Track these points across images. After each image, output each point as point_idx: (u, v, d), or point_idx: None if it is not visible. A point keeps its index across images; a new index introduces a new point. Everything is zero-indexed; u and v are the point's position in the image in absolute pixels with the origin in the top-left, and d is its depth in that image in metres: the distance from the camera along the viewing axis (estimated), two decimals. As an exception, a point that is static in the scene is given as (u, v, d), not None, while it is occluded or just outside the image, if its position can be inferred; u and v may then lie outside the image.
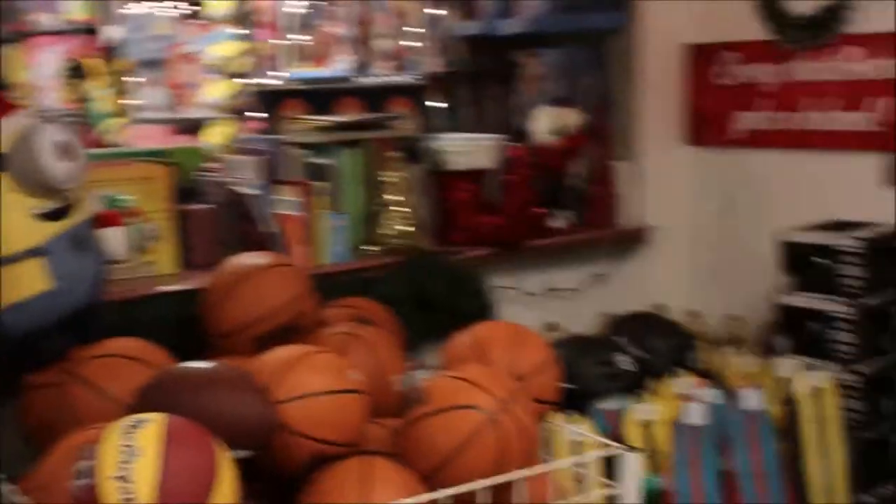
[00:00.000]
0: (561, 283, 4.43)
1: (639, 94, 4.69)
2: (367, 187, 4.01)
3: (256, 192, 3.74)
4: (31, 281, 2.69)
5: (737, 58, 4.63)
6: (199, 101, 5.87)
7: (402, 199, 3.96)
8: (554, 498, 2.70)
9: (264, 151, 3.91)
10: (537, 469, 2.63)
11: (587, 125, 4.58)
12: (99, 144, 6.14)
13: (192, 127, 5.86)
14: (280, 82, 4.93)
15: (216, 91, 5.65)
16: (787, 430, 3.83)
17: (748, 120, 4.60)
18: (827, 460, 3.85)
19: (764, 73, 4.54)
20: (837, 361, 3.97)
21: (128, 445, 2.07)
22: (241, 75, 5.51)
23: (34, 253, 2.69)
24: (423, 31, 4.94)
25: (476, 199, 4.20)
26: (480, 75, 4.96)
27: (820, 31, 4.35)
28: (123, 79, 6.42)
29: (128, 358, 2.68)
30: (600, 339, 4.10)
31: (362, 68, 5.04)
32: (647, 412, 3.66)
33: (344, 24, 5.07)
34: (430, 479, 2.51)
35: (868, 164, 4.23)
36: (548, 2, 4.57)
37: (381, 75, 4.88)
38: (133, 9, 6.23)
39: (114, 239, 2.97)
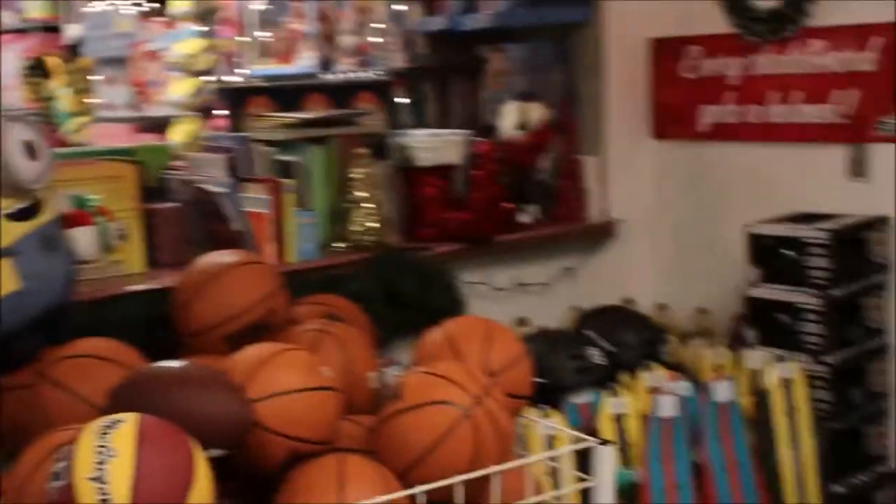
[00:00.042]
0: (530, 277, 4.43)
1: (604, 88, 4.69)
2: (335, 184, 3.99)
3: (224, 190, 3.73)
4: (0, 282, 2.66)
5: (701, 51, 4.64)
6: (163, 99, 5.85)
7: (369, 195, 3.94)
8: (529, 492, 2.70)
9: (231, 149, 3.89)
10: (512, 464, 2.62)
11: (553, 120, 4.58)
12: (63, 144, 6.10)
13: (156, 125, 5.84)
14: (245, 79, 4.92)
15: (180, 89, 5.63)
16: (758, 421, 3.85)
17: (714, 113, 4.61)
18: (798, 451, 3.87)
19: (729, 67, 4.56)
20: (806, 352, 3.99)
21: (103, 446, 2.05)
22: (206, 73, 5.50)
23: (2, 253, 2.67)
24: (387, 26, 4.93)
25: (444, 194, 4.19)
26: (446, 71, 4.95)
27: (783, 25, 4.37)
28: (86, 77, 6.38)
29: (99, 358, 2.65)
30: (571, 334, 4.11)
31: (327, 65, 5.03)
32: (618, 405, 3.66)
33: (308, 21, 5.06)
34: (406, 476, 2.49)
35: (834, 156, 4.26)
36: (511, -4, 4.57)
37: (346, 72, 4.87)
38: (95, 7, 6.19)
39: (82, 238, 2.95)
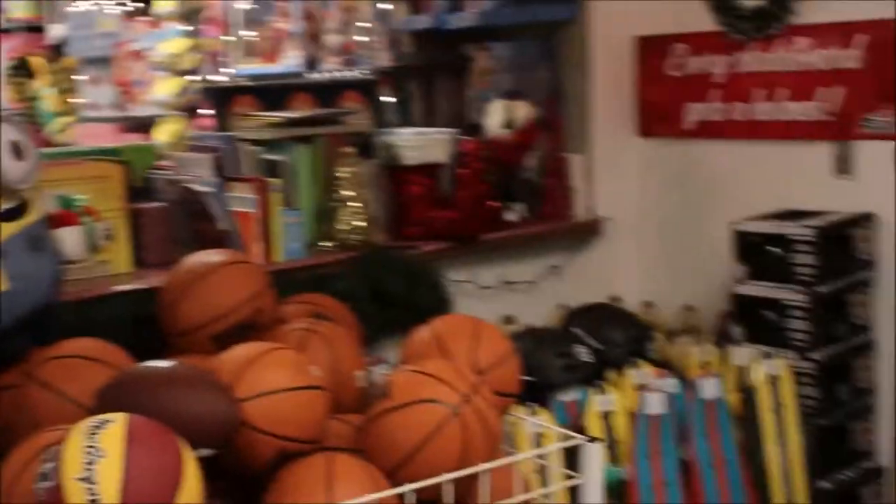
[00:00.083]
0: (516, 276, 4.43)
1: (590, 86, 4.69)
2: (321, 183, 3.99)
3: (210, 189, 3.72)
4: (-13, 282, 2.66)
5: (687, 49, 4.65)
6: (148, 98, 5.83)
7: (356, 194, 3.94)
8: (518, 490, 2.70)
9: (217, 148, 3.89)
10: (501, 462, 2.62)
11: (539, 118, 4.58)
12: (47, 144, 6.08)
13: (141, 125, 5.82)
14: (230, 79, 4.91)
15: (165, 88, 5.62)
16: (745, 418, 3.86)
17: (699, 111, 4.62)
18: (784, 447, 3.88)
19: (714, 65, 4.56)
20: (792, 349, 4.00)
21: (91, 446, 2.04)
22: (191, 72, 5.49)
23: (-11, 254, 2.66)
24: (372, 25, 4.92)
25: (430, 193, 4.19)
26: (431, 69, 4.95)
27: (768, 22, 4.38)
28: (71, 77, 6.37)
29: (86, 358, 2.64)
30: (558, 332, 4.11)
31: (312, 64, 5.02)
32: (606, 403, 3.67)
33: (293, 20, 5.05)
34: (394, 475, 2.49)
35: (819, 154, 4.27)
36: (497, -5, 4.57)
37: (332, 71, 4.86)
38: (79, 6, 6.17)
39: (69, 239, 2.94)
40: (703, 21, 4.54)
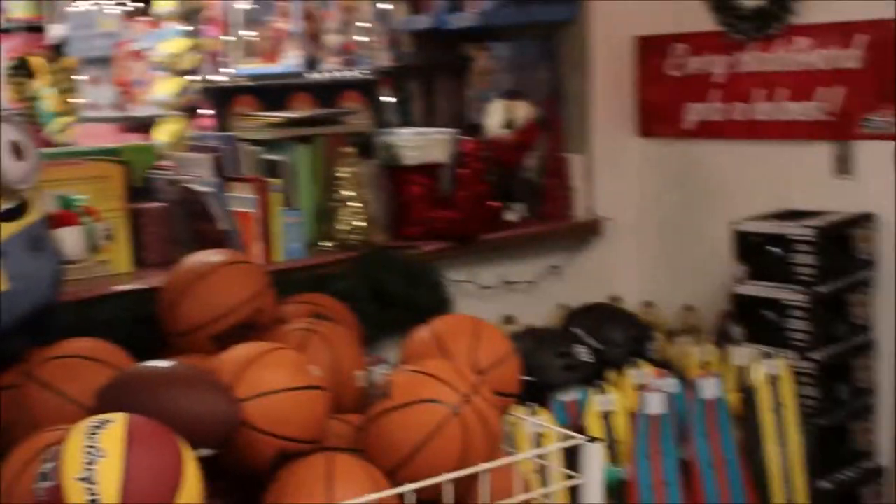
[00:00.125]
0: (516, 276, 4.43)
1: (590, 86, 4.69)
2: (321, 183, 4.00)
3: (210, 189, 3.72)
4: (-13, 282, 2.66)
5: (687, 49, 4.65)
6: (148, 98, 5.83)
7: (356, 194, 3.94)
8: (518, 490, 2.70)
9: (217, 148, 3.89)
10: (501, 462, 2.63)
11: (539, 118, 4.58)
12: (48, 144, 6.08)
13: (141, 125, 5.82)
14: (230, 79, 4.91)
15: (166, 88, 5.62)
16: (745, 418, 3.86)
17: (699, 111, 4.62)
18: (784, 447, 3.88)
19: (714, 65, 4.56)
20: (792, 349, 4.00)
21: (91, 446, 2.05)
22: (191, 72, 5.49)
23: (-11, 254, 2.66)
24: (372, 25, 4.92)
25: (430, 193, 4.19)
26: (431, 69, 4.95)
27: (768, 22, 4.38)
28: (70, 77, 6.37)
29: (87, 358, 2.65)
30: (558, 331, 4.11)
31: (312, 64, 5.02)
32: (606, 403, 3.67)
33: (293, 20, 5.05)
34: (394, 475, 2.50)
35: (819, 154, 4.27)
36: (498, -5, 4.57)
37: (332, 71, 4.86)
38: (79, 6, 6.17)
39: (69, 239, 2.94)
40: (703, 21, 4.54)
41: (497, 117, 4.52)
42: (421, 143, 4.22)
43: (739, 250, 4.18)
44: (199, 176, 3.78)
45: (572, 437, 2.79)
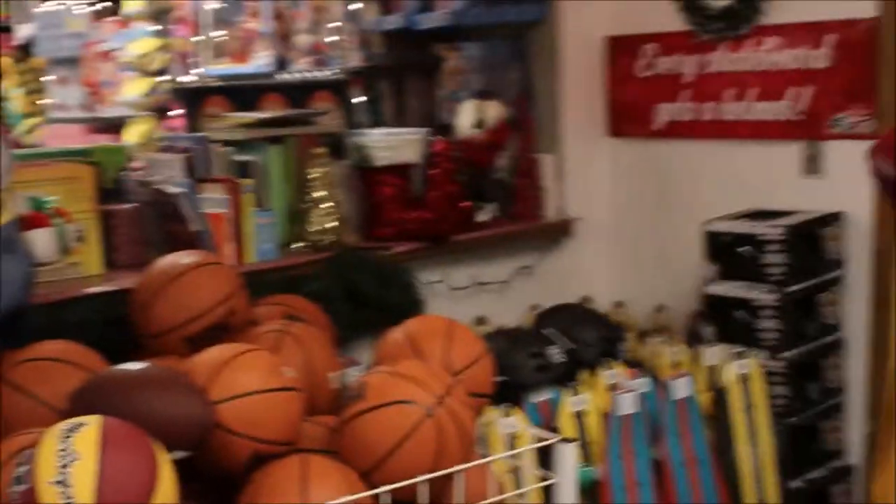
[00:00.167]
0: (488, 276, 4.44)
1: (560, 86, 4.70)
2: (293, 184, 3.99)
3: (181, 190, 3.70)
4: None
5: (657, 49, 4.66)
6: (117, 99, 5.80)
7: (327, 195, 3.93)
8: (492, 491, 2.70)
9: (188, 149, 3.87)
10: (476, 463, 2.63)
11: (510, 118, 4.58)
12: (17, 145, 6.04)
13: (110, 126, 5.79)
14: (200, 79, 4.89)
15: (135, 89, 5.59)
16: (716, 417, 3.87)
17: (669, 111, 4.63)
18: (756, 447, 3.90)
19: (684, 65, 4.58)
20: (763, 349, 4.02)
21: (65, 449, 2.04)
22: (161, 73, 5.47)
23: (-39, 256, 2.64)
24: (343, 25, 4.91)
25: (402, 193, 4.19)
26: (402, 70, 4.95)
27: (737, 22, 4.39)
28: (38, 78, 6.33)
29: (59, 361, 2.64)
30: (530, 332, 4.11)
31: (283, 64, 5.01)
32: (579, 403, 3.68)
33: (263, 20, 5.04)
34: (369, 476, 2.50)
35: (789, 154, 4.29)
36: (468, -5, 4.58)
37: (303, 71, 4.85)
38: (47, 6, 6.14)
39: (40, 240, 2.94)
40: (673, 21, 4.56)
41: (468, 117, 4.53)
42: (392, 144, 4.21)
43: (710, 250, 4.20)
44: (171, 177, 3.76)
45: (546, 438, 2.79)
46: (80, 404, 2.34)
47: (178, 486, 2.18)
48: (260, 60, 5.01)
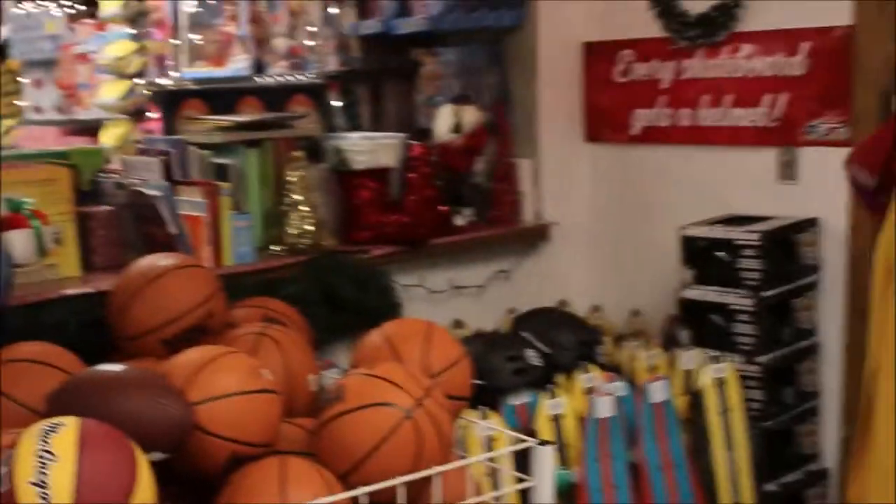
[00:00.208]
0: (465, 280, 4.44)
1: (538, 91, 4.71)
2: (271, 187, 3.99)
3: (159, 193, 3.69)
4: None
5: (633, 55, 4.68)
6: (94, 101, 5.79)
7: (305, 198, 3.93)
8: (470, 493, 2.71)
9: (166, 152, 3.87)
10: (454, 465, 2.63)
11: (487, 123, 4.59)
12: (-7, 148, 6.01)
13: (86, 128, 5.78)
14: (178, 82, 4.88)
15: (112, 91, 5.58)
16: (693, 421, 3.89)
17: (646, 117, 4.65)
18: (732, 450, 3.91)
19: (661, 71, 4.60)
20: (739, 353, 4.03)
21: (44, 450, 2.04)
22: (138, 75, 5.46)
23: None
24: (320, 29, 4.92)
25: (380, 197, 4.19)
26: (380, 74, 4.95)
27: (713, 29, 4.42)
28: (14, 79, 6.30)
29: (36, 362, 2.62)
30: (508, 336, 4.12)
31: (260, 68, 5.01)
32: (556, 406, 3.69)
33: (240, 24, 5.04)
34: (348, 478, 2.50)
35: (764, 160, 4.31)
36: (445, 0, 4.57)
37: (280, 74, 4.85)
38: (23, 8, 6.12)
39: (18, 242, 2.92)
40: (650, 27, 4.58)
41: (445, 122, 4.53)
42: (370, 148, 4.21)
43: (686, 255, 4.21)
44: (148, 179, 3.75)
45: (523, 441, 2.80)
46: (57, 405, 2.33)
47: (157, 487, 2.17)
48: (237, 64, 5.02)
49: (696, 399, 3.89)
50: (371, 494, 2.47)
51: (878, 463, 3.43)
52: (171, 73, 5.24)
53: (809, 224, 4.19)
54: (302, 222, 3.90)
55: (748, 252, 4.03)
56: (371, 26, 4.84)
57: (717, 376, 3.91)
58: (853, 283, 4.10)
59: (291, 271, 3.75)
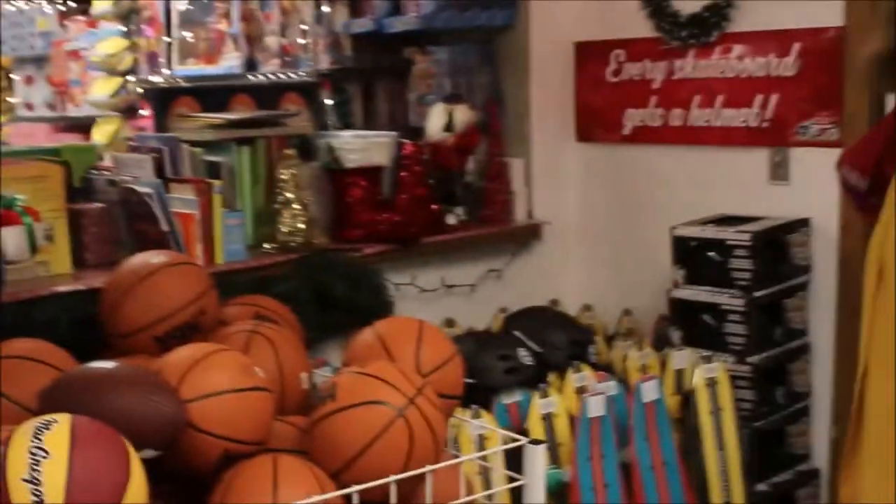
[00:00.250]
0: (457, 279, 4.44)
1: (530, 90, 4.72)
2: (263, 185, 3.99)
3: (151, 190, 3.69)
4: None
5: (625, 55, 4.69)
6: (85, 98, 5.79)
7: (297, 196, 3.93)
8: (462, 492, 2.71)
9: (157, 149, 3.86)
10: (446, 464, 2.63)
11: (479, 122, 4.59)
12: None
13: (78, 125, 5.77)
14: (170, 80, 4.88)
15: (104, 88, 5.58)
16: (684, 420, 3.89)
17: (638, 117, 4.65)
18: (723, 450, 3.91)
19: (652, 71, 4.60)
20: (730, 353, 4.04)
21: (36, 447, 2.03)
22: (129, 72, 5.45)
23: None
24: (312, 28, 4.92)
25: (371, 196, 4.19)
26: (372, 72, 4.95)
27: (705, 30, 4.42)
28: (6, 76, 6.31)
29: (28, 359, 2.62)
30: (499, 335, 4.13)
31: (252, 66, 5.01)
32: (548, 405, 3.69)
33: (232, 22, 5.04)
34: (340, 476, 2.49)
35: (756, 160, 4.32)
36: (437, -1, 4.59)
37: (272, 72, 4.85)
38: (15, 4, 6.11)
39: (10, 239, 2.91)
40: (642, 27, 4.59)
41: (437, 121, 4.53)
42: (362, 146, 4.21)
43: (677, 255, 4.22)
44: (140, 177, 3.75)
45: (515, 440, 2.79)
46: (49, 402, 2.33)
47: (149, 485, 2.17)
48: (229, 62, 5.01)
49: (687, 399, 3.90)
50: (363, 493, 2.46)
51: (870, 463, 3.43)
52: (163, 71, 5.24)
53: (801, 224, 4.19)
54: (294, 220, 3.90)
55: (739, 252, 4.04)
56: (363, 25, 4.84)
57: (709, 376, 3.91)
58: (844, 284, 4.10)
59: (283, 269, 3.75)
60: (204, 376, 2.51)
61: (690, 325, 4.13)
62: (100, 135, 5.41)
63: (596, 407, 3.67)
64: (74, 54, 5.89)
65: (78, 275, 3.53)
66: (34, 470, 2.00)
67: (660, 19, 4.54)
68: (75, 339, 2.90)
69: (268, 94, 4.43)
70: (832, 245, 4.15)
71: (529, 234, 4.69)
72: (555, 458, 3.63)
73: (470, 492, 2.77)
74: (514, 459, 2.75)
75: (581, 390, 3.77)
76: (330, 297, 3.73)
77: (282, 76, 4.79)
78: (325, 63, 4.86)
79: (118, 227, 3.72)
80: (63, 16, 6.10)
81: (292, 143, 4.04)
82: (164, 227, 3.61)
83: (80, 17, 5.92)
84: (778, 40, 4.23)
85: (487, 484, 3.23)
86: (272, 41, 4.98)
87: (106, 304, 3.00)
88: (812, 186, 4.18)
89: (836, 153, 3.77)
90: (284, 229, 3.89)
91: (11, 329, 2.81)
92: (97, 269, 3.50)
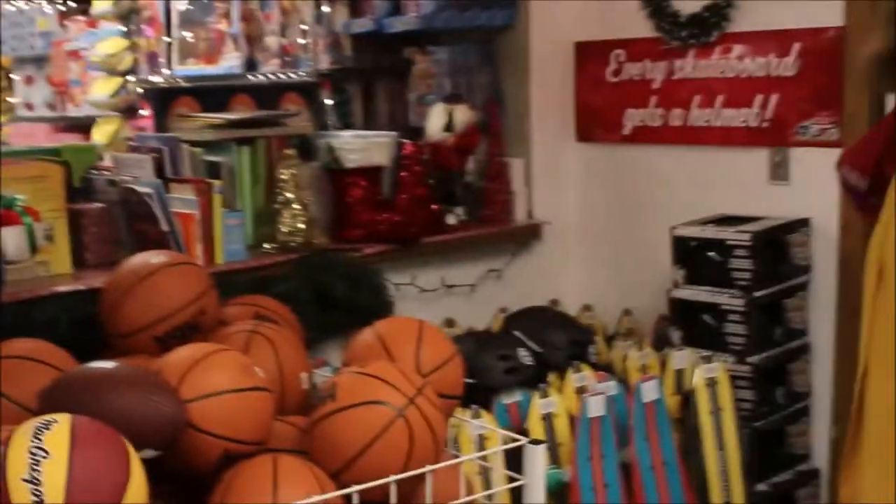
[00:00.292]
0: (457, 279, 4.44)
1: (530, 90, 4.72)
2: (263, 185, 3.99)
3: (151, 190, 3.69)
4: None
5: (625, 55, 4.69)
6: (85, 98, 5.79)
7: (297, 196, 3.93)
8: (462, 492, 2.71)
9: (157, 149, 3.86)
10: (446, 464, 2.63)
11: (479, 122, 4.59)
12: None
13: (78, 125, 5.77)
14: (170, 80, 4.88)
15: (103, 88, 5.58)
16: (684, 420, 3.89)
17: (638, 117, 4.65)
18: (723, 450, 3.91)
19: (652, 71, 4.60)
20: (730, 353, 4.04)
21: (36, 447, 2.03)
22: (129, 72, 5.45)
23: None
24: (312, 28, 4.92)
25: (371, 196, 4.19)
26: (372, 72, 4.96)
27: (705, 29, 4.42)
28: (7, 76, 6.31)
29: (29, 359, 2.62)
30: (499, 335, 4.12)
31: (252, 66, 5.01)
32: (548, 405, 3.69)
33: (232, 22, 5.04)
34: (340, 476, 2.49)
35: (756, 160, 4.32)
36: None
37: (272, 72, 4.85)
38: (15, 4, 6.11)
39: (10, 239, 2.91)
40: (642, 27, 4.59)
41: (438, 121, 4.53)
42: (362, 146, 4.21)
43: (677, 255, 4.21)
44: (140, 177, 3.75)
45: (515, 440, 2.79)
46: (49, 402, 2.33)
47: (149, 485, 2.17)
48: (229, 62, 5.01)
49: (687, 399, 3.90)
50: (363, 493, 2.46)
51: (870, 463, 3.43)
52: (163, 71, 5.24)
53: (801, 224, 4.19)
54: (294, 220, 3.90)
55: (739, 252, 4.04)
56: (363, 24, 4.84)
57: (709, 376, 3.91)
58: (844, 284, 4.10)
59: (283, 269, 3.75)
60: (204, 376, 2.51)
61: (690, 325, 4.13)
62: (100, 135, 5.41)
63: (596, 407, 3.67)
64: (74, 54, 5.89)
65: (78, 275, 3.53)
66: (34, 470, 2.00)
67: (660, 19, 4.54)
68: (75, 339, 2.90)
69: (268, 94, 4.43)
70: (832, 245, 4.15)
71: (529, 234, 4.69)
72: (555, 458, 3.63)
73: (470, 492, 2.77)
74: (514, 459, 2.75)
75: (581, 390, 3.77)
76: (330, 297, 3.73)
77: (282, 76, 4.79)
78: (325, 63, 4.86)
79: (118, 227, 3.72)
80: (63, 16, 6.09)
81: (292, 143, 4.04)
82: (164, 227, 3.61)
83: (80, 17, 5.91)
84: (778, 40, 4.23)
85: (487, 484, 3.23)
86: (272, 41, 4.98)
87: (106, 304, 3.00)
88: (812, 186, 4.17)
89: (836, 153, 3.77)
90: (284, 229, 3.89)
91: (11, 329, 2.81)
92: (97, 269, 3.50)
